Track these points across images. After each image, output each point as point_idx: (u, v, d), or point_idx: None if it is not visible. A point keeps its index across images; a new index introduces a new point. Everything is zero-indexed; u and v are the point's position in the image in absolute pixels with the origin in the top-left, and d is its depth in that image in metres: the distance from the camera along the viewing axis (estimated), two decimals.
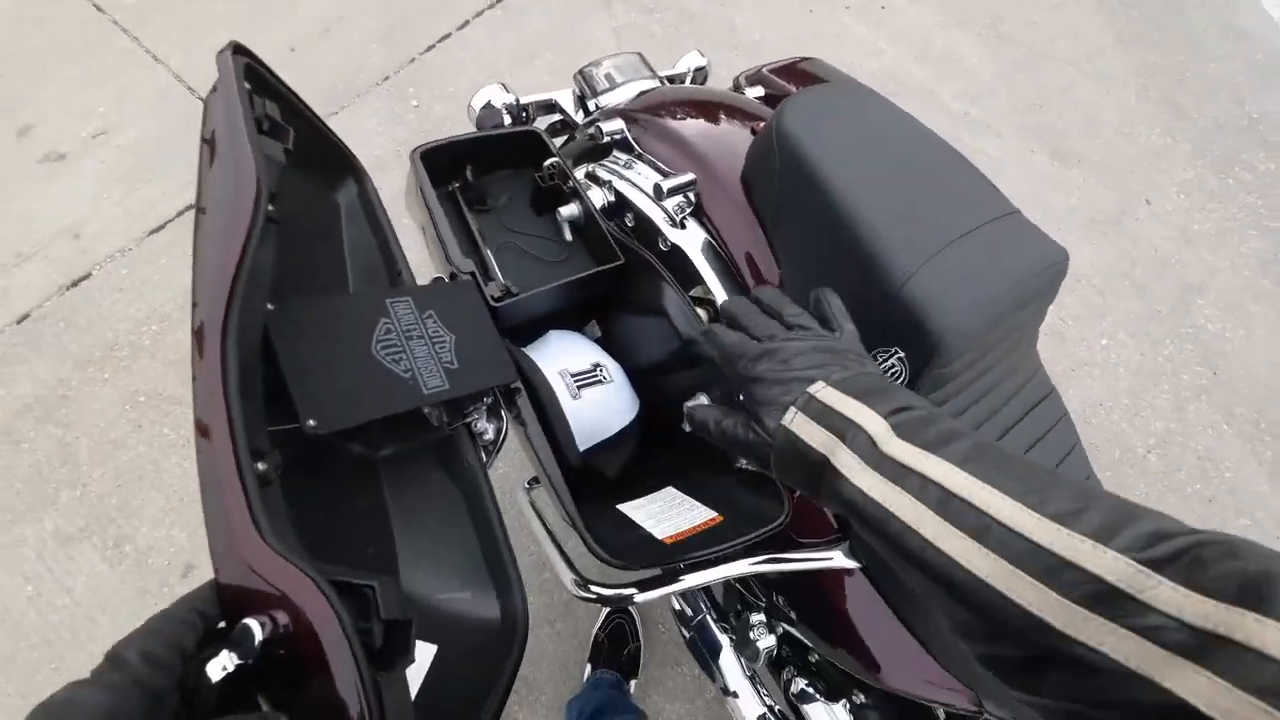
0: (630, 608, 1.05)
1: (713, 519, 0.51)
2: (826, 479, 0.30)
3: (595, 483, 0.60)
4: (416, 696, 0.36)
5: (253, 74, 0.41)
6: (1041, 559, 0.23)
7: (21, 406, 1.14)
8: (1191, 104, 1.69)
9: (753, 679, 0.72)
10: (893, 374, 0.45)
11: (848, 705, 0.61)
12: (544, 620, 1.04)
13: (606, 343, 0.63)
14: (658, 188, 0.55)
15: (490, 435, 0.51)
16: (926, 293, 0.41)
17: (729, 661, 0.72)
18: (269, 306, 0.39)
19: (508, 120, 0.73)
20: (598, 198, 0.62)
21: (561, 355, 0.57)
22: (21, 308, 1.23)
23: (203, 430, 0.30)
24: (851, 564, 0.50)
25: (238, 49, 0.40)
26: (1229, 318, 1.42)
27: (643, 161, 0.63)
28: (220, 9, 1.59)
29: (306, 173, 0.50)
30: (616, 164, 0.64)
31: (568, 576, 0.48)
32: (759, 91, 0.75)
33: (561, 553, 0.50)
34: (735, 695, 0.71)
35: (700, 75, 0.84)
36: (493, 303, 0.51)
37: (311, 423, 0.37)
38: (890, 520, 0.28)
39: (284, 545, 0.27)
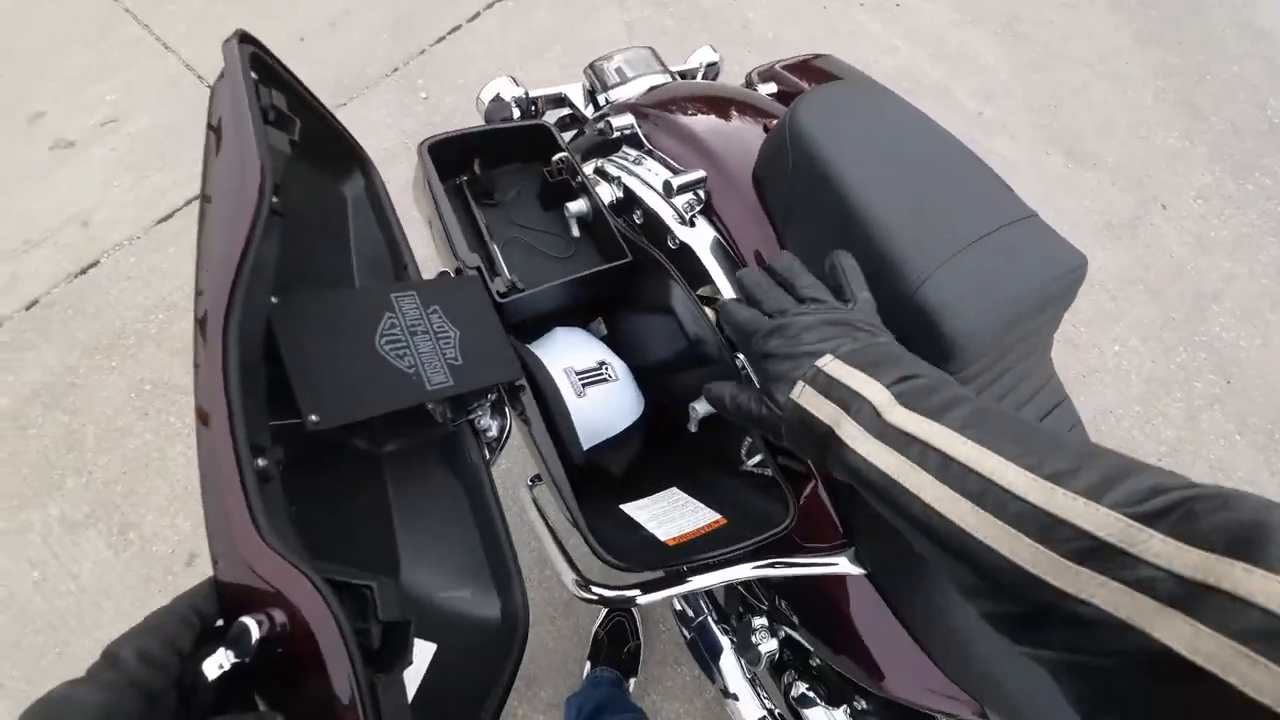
0: (631, 607, 1.04)
1: (717, 521, 0.50)
2: (833, 449, 0.32)
3: (599, 481, 0.59)
4: (415, 695, 0.36)
5: (259, 63, 0.41)
6: (1036, 518, 0.24)
7: (30, 393, 1.15)
8: (1209, 106, 1.66)
9: (753, 681, 0.71)
10: None
11: (849, 711, 0.60)
12: (544, 616, 1.04)
13: (612, 340, 0.63)
14: (667, 184, 0.55)
15: (494, 432, 0.50)
16: (942, 296, 0.40)
17: (729, 664, 0.71)
18: (272, 300, 0.38)
19: (517, 114, 0.72)
20: (606, 194, 0.61)
21: (567, 352, 0.56)
22: (30, 294, 1.24)
23: (203, 419, 0.30)
24: (857, 570, 0.50)
25: (244, 38, 0.39)
26: (1245, 326, 1.39)
27: (652, 158, 0.62)
28: None
29: (313, 164, 0.49)
30: (626, 160, 0.63)
31: (569, 576, 0.48)
32: (772, 88, 0.74)
33: (563, 552, 0.49)
34: (735, 698, 0.70)
35: (712, 71, 0.83)
36: (498, 298, 0.50)
37: (314, 418, 0.37)
38: (893, 487, 0.29)
39: (282, 544, 0.27)
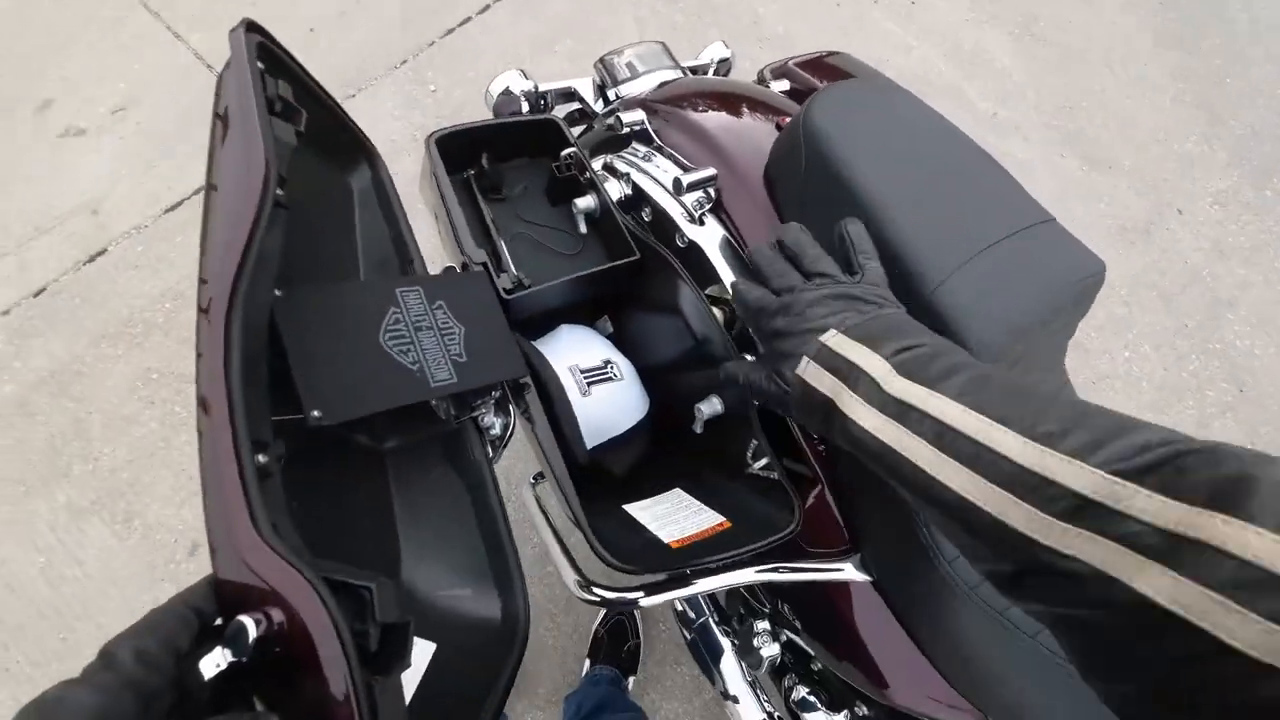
0: (633, 609, 1.04)
1: (721, 524, 0.49)
2: (835, 421, 0.33)
3: (602, 481, 0.59)
4: (415, 695, 0.35)
5: (266, 53, 0.40)
6: (1026, 479, 0.25)
7: (37, 379, 1.16)
8: (1229, 110, 1.63)
9: (753, 684, 0.71)
10: None
11: (849, 716, 0.60)
12: (544, 613, 1.04)
13: (618, 339, 0.62)
14: (677, 182, 0.54)
15: (497, 430, 0.50)
16: (957, 300, 0.39)
17: (730, 666, 0.71)
18: (276, 293, 0.38)
19: (526, 108, 0.71)
20: (615, 190, 0.60)
21: (572, 350, 0.56)
22: (39, 281, 1.24)
23: (204, 406, 0.30)
24: (862, 577, 0.49)
25: (251, 27, 0.39)
26: (1260, 334, 1.37)
27: (662, 154, 0.61)
28: None
29: (319, 156, 0.49)
30: (635, 156, 0.62)
31: (570, 577, 0.47)
32: (784, 85, 0.73)
33: (565, 552, 0.49)
34: (735, 700, 0.70)
35: (724, 67, 0.82)
36: (504, 295, 0.49)
37: (316, 414, 0.36)
38: (892, 455, 0.30)
39: (281, 542, 0.27)
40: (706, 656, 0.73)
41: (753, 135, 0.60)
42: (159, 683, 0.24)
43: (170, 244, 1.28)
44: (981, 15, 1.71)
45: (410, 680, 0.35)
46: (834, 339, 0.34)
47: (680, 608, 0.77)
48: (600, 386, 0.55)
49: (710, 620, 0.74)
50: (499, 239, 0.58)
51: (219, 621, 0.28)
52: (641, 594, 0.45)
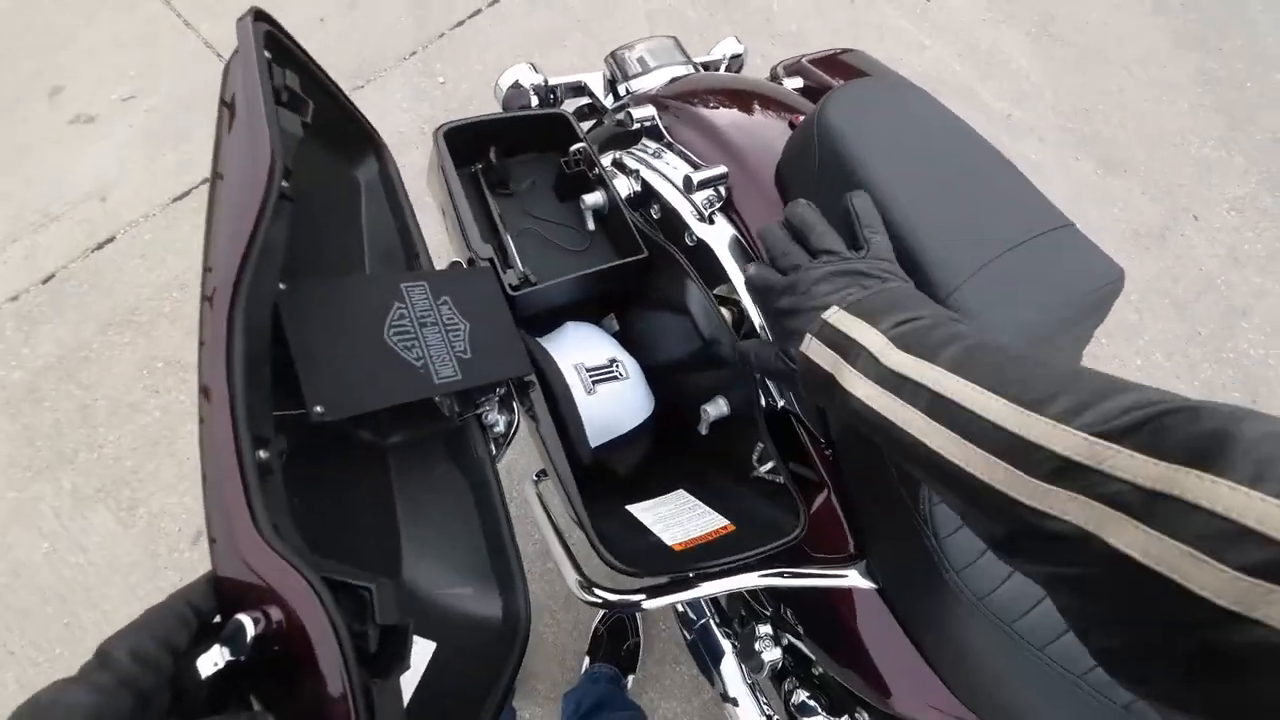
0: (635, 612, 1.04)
1: (725, 527, 0.49)
2: (836, 395, 0.34)
3: (605, 480, 0.58)
4: (414, 695, 0.35)
5: (274, 42, 0.40)
6: (1013, 444, 0.25)
7: (44, 365, 1.16)
8: (1248, 115, 1.60)
9: (753, 687, 0.70)
10: None
11: None
12: (544, 610, 1.04)
13: (624, 337, 0.61)
14: (688, 180, 0.53)
15: (501, 428, 0.49)
16: (972, 306, 0.39)
17: (730, 668, 0.71)
18: (280, 286, 0.37)
19: (535, 101, 0.70)
20: (623, 186, 0.60)
21: (578, 348, 0.55)
22: (48, 267, 1.25)
23: (205, 394, 0.29)
24: (867, 584, 0.48)
25: (259, 15, 0.38)
26: (1274, 343, 1.35)
27: (672, 151, 0.60)
28: None
29: (326, 147, 0.48)
30: (645, 152, 0.61)
31: (572, 577, 0.47)
32: (797, 83, 0.72)
33: (568, 552, 0.48)
34: (735, 703, 0.70)
35: (736, 63, 0.81)
36: (510, 291, 0.49)
37: (318, 409, 0.36)
38: (886, 425, 0.31)
39: (280, 541, 0.26)
40: (707, 658, 0.73)
41: (765, 133, 0.59)
42: (155, 681, 0.24)
43: (178, 233, 1.28)
44: (998, 14, 1.69)
45: (409, 680, 0.35)
46: (835, 315, 0.35)
47: (681, 609, 0.76)
48: (605, 385, 0.54)
49: (711, 622, 0.73)
50: (506, 234, 0.57)
51: (218, 619, 0.28)
52: (643, 596, 0.45)
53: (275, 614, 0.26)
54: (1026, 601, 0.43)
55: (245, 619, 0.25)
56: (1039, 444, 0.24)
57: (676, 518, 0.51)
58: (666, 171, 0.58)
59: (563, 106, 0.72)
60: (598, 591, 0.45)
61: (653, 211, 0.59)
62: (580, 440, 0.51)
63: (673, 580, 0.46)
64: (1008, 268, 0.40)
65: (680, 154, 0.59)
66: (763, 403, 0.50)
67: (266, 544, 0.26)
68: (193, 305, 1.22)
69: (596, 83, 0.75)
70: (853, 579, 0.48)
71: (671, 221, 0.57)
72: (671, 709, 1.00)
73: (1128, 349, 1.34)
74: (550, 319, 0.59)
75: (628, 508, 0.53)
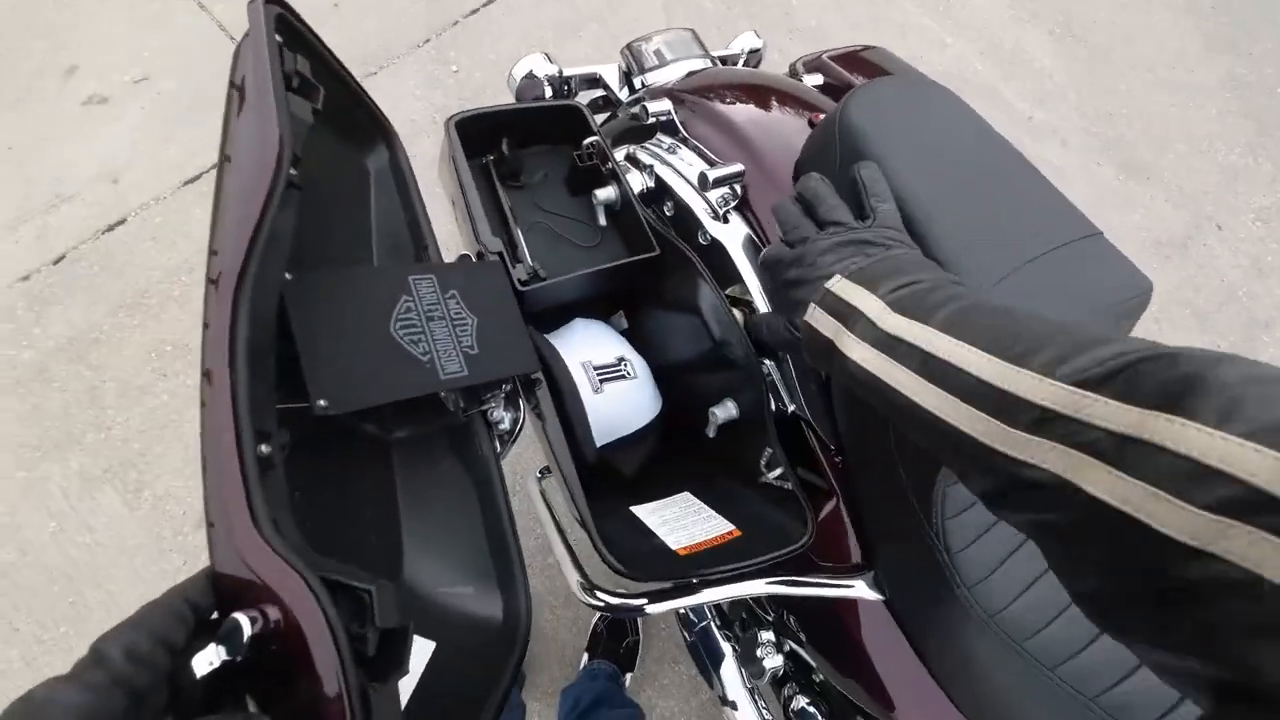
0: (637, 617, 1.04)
1: (730, 532, 0.48)
2: (836, 361, 0.35)
3: (609, 480, 0.58)
4: (412, 695, 0.35)
5: (285, 26, 0.39)
6: (995, 397, 0.26)
7: (54, 346, 1.17)
8: (1278, 122, 1.56)
9: (752, 692, 0.70)
10: None
11: None
12: (544, 604, 1.04)
13: (633, 336, 0.60)
14: (703, 177, 0.52)
15: (506, 425, 0.48)
16: None
17: (730, 671, 0.70)
18: (286, 276, 0.37)
19: (549, 92, 0.69)
20: (637, 182, 0.58)
21: (586, 346, 0.55)
22: (59, 248, 1.25)
23: (208, 377, 0.29)
24: (874, 595, 0.47)
25: None
26: None
27: (688, 147, 0.59)
28: None
29: (336, 135, 0.48)
30: (660, 147, 0.60)
31: (574, 578, 0.46)
32: (817, 79, 0.70)
33: (570, 553, 0.48)
34: (734, 706, 0.69)
35: (755, 58, 0.79)
36: (519, 286, 0.48)
37: (322, 403, 0.35)
38: (880, 385, 0.31)
39: (280, 539, 0.26)
40: (706, 660, 0.73)
41: (783, 130, 0.57)
42: (150, 680, 0.23)
43: (188, 217, 1.28)
44: (1022, 13, 1.65)
45: (408, 680, 0.34)
46: (838, 284, 0.36)
47: (682, 610, 0.76)
48: (613, 384, 0.53)
49: (712, 624, 0.73)
50: (516, 228, 0.56)
51: (216, 615, 0.27)
52: (646, 601, 0.44)
53: (273, 613, 0.25)
54: (1038, 621, 0.42)
55: (242, 618, 0.25)
56: (1022, 396, 0.25)
57: (681, 521, 0.50)
58: (681, 168, 0.57)
59: (577, 98, 0.71)
60: (600, 594, 0.44)
61: (666, 208, 0.58)
62: (586, 439, 0.51)
63: (676, 585, 0.45)
64: (1033, 276, 0.39)
65: (696, 150, 0.58)
66: (772, 407, 0.49)
67: (266, 543, 0.25)
68: (201, 290, 1.22)
69: (612, 75, 0.73)
70: (859, 589, 0.48)
71: (685, 219, 0.56)
72: (669, 708, 1.00)
73: None
74: (559, 315, 0.58)
75: (632, 509, 0.52)
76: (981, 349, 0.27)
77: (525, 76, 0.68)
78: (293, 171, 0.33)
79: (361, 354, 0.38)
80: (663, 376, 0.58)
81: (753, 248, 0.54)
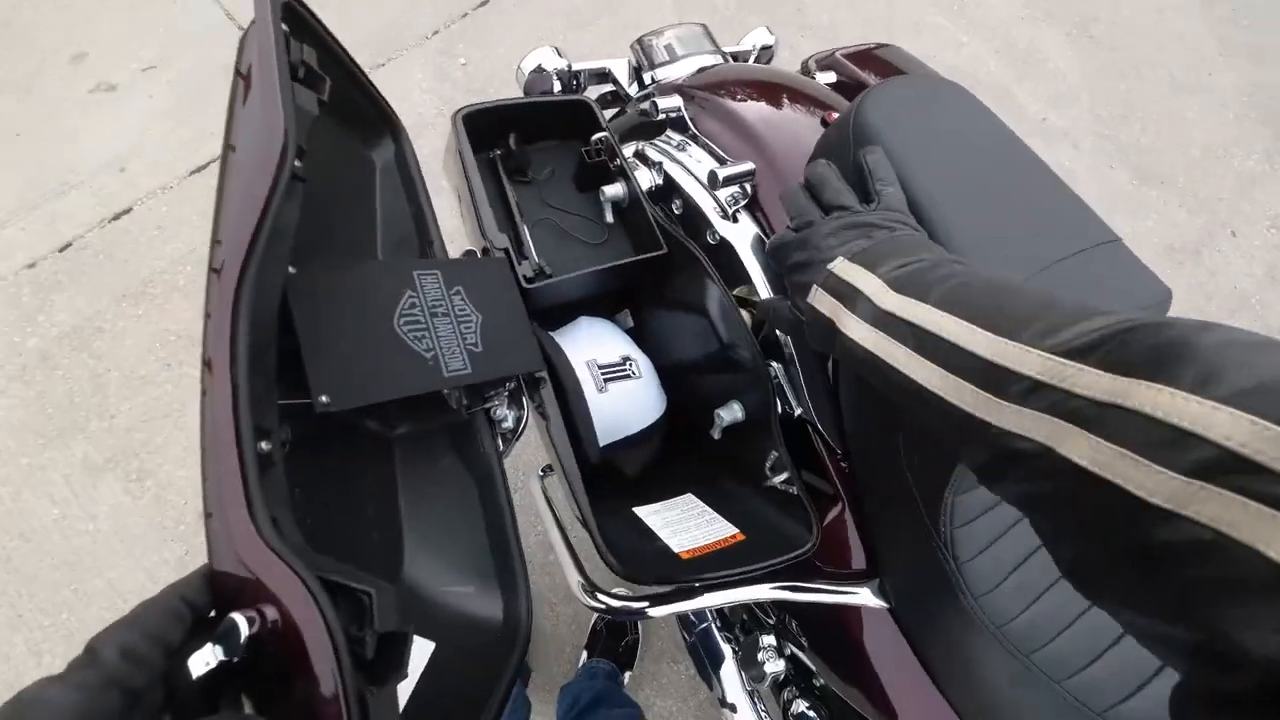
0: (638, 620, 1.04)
1: (734, 536, 0.47)
2: (836, 341, 0.35)
3: (612, 480, 0.57)
4: (411, 697, 0.34)
5: (292, 15, 0.38)
6: (986, 370, 0.26)
7: (59, 334, 1.17)
8: None
9: (752, 694, 0.70)
10: None
11: None
12: (544, 601, 1.04)
13: (638, 334, 0.60)
14: (713, 175, 0.51)
15: (509, 423, 0.48)
16: None
17: (730, 674, 0.70)
18: (290, 270, 0.36)
19: (558, 87, 0.68)
20: (645, 179, 0.58)
21: (591, 344, 0.54)
22: (65, 236, 1.25)
23: (209, 366, 0.28)
24: (879, 603, 0.47)
25: None
26: None
27: (697, 144, 0.58)
28: None
29: (342, 126, 0.47)
30: (669, 144, 0.59)
31: (575, 579, 0.46)
32: (830, 77, 0.69)
33: (572, 554, 0.47)
34: (733, 709, 0.69)
35: (766, 55, 0.78)
36: (525, 283, 0.47)
37: (324, 399, 0.35)
38: (877, 363, 0.32)
39: (279, 540, 0.25)
40: (706, 662, 0.72)
41: (795, 129, 0.56)
42: (145, 680, 0.23)
43: (194, 206, 1.28)
44: (1037, 13, 1.63)
45: (407, 681, 0.34)
46: (839, 265, 0.36)
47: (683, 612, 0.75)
48: (617, 384, 0.53)
49: (713, 626, 0.72)
50: (522, 224, 0.55)
51: (214, 613, 0.27)
52: (647, 604, 0.44)
53: (271, 614, 0.25)
54: (1046, 633, 0.41)
55: (239, 618, 0.24)
56: (1010, 368, 0.25)
57: (684, 523, 0.50)
58: (690, 165, 0.56)
59: (586, 93, 0.70)
60: (601, 597, 0.44)
61: (674, 206, 0.57)
62: (589, 439, 0.50)
63: (678, 588, 0.44)
64: (1051, 282, 0.38)
65: (705, 147, 0.57)
66: (779, 410, 0.49)
67: (264, 543, 0.25)
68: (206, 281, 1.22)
69: (621, 70, 0.72)
70: (864, 597, 0.47)
71: (693, 217, 0.55)
72: (667, 707, 1.00)
73: None
74: (564, 312, 0.58)
75: (634, 509, 0.51)
76: (974, 323, 0.28)
77: (534, 70, 0.67)
78: (297, 164, 0.32)
79: (364, 350, 0.38)
80: (668, 376, 0.57)
81: (761, 248, 0.53)
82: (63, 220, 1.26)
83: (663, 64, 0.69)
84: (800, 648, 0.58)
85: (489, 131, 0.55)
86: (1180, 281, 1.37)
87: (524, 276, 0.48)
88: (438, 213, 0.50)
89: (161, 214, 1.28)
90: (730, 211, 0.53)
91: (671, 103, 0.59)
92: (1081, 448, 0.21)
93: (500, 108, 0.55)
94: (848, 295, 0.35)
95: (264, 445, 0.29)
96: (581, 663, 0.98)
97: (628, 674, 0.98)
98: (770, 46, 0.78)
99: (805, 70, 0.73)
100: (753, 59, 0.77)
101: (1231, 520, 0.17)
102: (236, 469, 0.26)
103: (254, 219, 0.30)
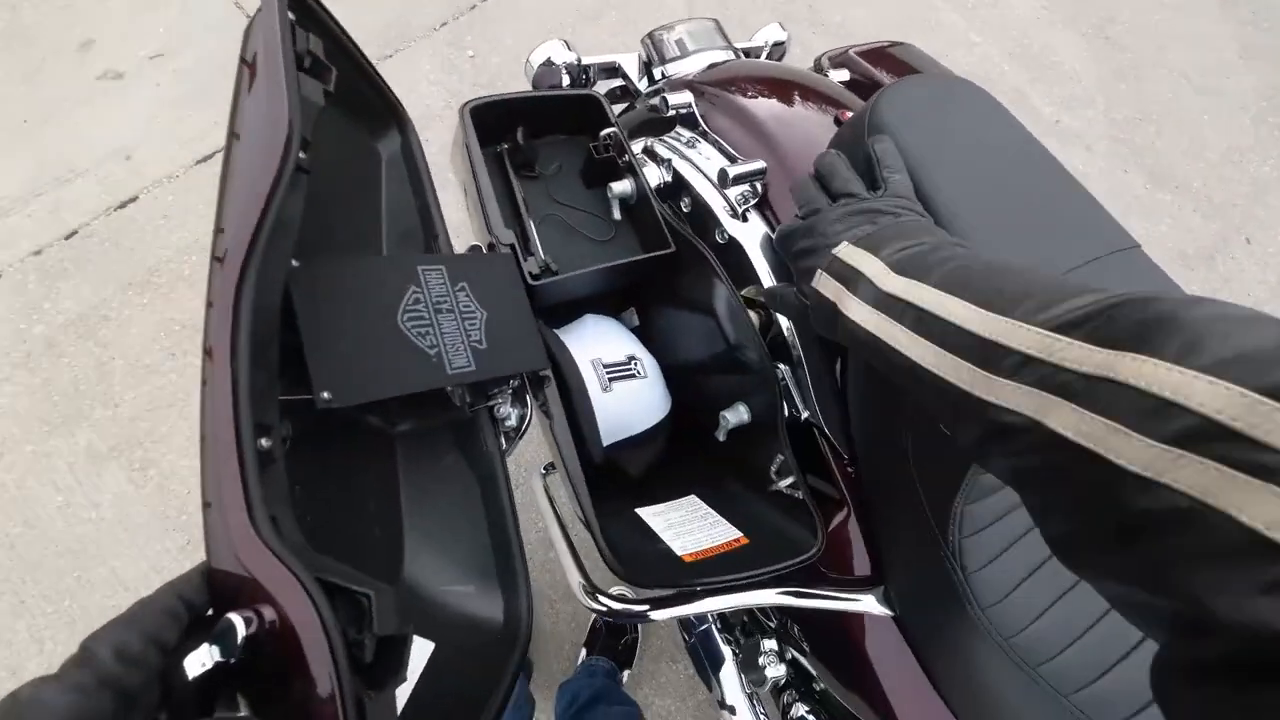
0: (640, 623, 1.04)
1: (737, 540, 0.47)
2: (839, 323, 0.35)
3: (616, 480, 0.57)
4: (410, 698, 0.34)
5: (299, 3, 0.37)
6: (980, 346, 0.26)
7: (65, 321, 1.17)
8: None
9: (751, 697, 0.69)
10: None
11: None
12: (544, 599, 1.04)
13: (644, 333, 0.59)
14: (723, 173, 0.50)
15: (513, 421, 0.48)
16: None
17: (730, 676, 0.69)
18: (293, 263, 0.36)
19: (566, 81, 0.67)
20: (654, 176, 0.57)
21: (596, 343, 0.53)
22: (71, 223, 1.25)
23: (210, 355, 0.28)
24: (883, 611, 0.46)
25: None
26: None
27: (708, 141, 0.57)
28: None
29: (348, 118, 0.47)
30: (678, 141, 0.58)
31: (576, 580, 0.45)
32: (844, 75, 0.68)
33: (574, 555, 0.47)
34: (732, 710, 0.68)
35: (778, 51, 0.77)
36: (530, 280, 0.47)
37: (326, 395, 0.34)
38: (878, 344, 0.32)
39: (278, 539, 0.25)
40: (706, 663, 0.72)
41: (807, 127, 0.56)
42: (140, 680, 0.22)
43: (200, 196, 1.28)
44: (1053, 13, 1.61)
45: (407, 683, 0.34)
46: (844, 250, 0.36)
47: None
48: (622, 383, 0.52)
49: (713, 628, 0.72)
50: (528, 219, 0.55)
51: (211, 612, 0.26)
52: (649, 607, 0.43)
53: (268, 614, 0.24)
54: (1054, 646, 0.40)
55: (237, 619, 0.24)
56: (1002, 343, 0.25)
57: (687, 525, 0.49)
58: (700, 163, 0.55)
59: (595, 88, 0.70)
60: (602, 599, 0.43)
61: (683, 204, 0.56)
62: (593, 439, 0.49)
63: (680, 592, 0.44)
64: None
65: (716, 145, 0.56)
66: (785, 412, 0.48)
67: (263, 543, 0.24)
68: None
69: (631, 64, 0.71)
70: (869, 604, 0.46)
71: (702, 216, 0.54)
72: (666, 706, 1.00)
73: None
74: (569, 310, 0.57)
75: (637, 510, 0.51)
76: (970, 302, 0.28)
77: (542, 64, 0.66)
78: (302, 155, 0.31)
79: (367, 345, 0.38)
80: (673, 376, 0.56)
81: (771, 248, 0.52)
82: (68, 208, 1.26)
83: (673, 59, 0.68)
84: (802, 652, 0.57)
85: (496, 125, 0.54)
86: (1193, 288, 1.35)
87: (530, 273, 0.47)
88: (443, 207, 0.49)
89: (167, 203, 1.28)
90: (740, 210, 0.52)
91: (682, 99, 0.59)
92: (1068, 420, 0.22)
93: (508, 101, 0.54)
94: (850, 278, 0.35)
95: (264, 442, 0.28)
96: (580, 660, 0.98)
97: (626, 672, 0.98)
98: (783, 43, 0.77)
99: (818, 67, 0.72)
100: (764, 55, 0.76)
101: (1206, 487, 0.17)
102: (236, 468, 0.26)
103: (257, 211, 0.29)
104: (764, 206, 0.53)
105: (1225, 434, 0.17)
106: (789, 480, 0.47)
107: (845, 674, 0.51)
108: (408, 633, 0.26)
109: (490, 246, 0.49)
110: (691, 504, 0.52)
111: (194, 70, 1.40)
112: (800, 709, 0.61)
